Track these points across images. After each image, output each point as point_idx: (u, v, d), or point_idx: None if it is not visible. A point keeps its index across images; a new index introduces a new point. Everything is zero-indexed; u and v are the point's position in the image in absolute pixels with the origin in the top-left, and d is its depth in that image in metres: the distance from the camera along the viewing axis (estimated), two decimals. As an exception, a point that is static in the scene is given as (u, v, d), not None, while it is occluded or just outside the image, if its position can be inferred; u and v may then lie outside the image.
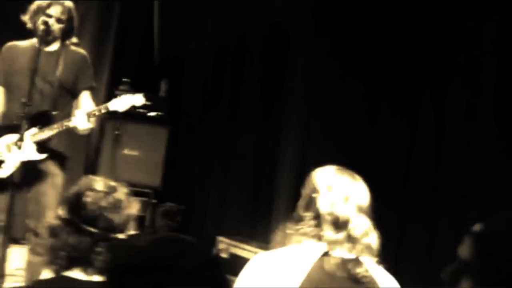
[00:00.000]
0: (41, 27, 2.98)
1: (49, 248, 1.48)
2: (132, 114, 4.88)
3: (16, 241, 3.17)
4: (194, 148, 5.06)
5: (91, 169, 4.75)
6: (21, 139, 2.91)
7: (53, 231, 1.50)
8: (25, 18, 3.08)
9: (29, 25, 3.08)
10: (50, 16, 3.03)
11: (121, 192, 1.56)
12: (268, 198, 4.31)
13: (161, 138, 4.92)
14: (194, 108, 5.22)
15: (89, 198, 1.51)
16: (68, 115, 3.04)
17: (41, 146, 2.98)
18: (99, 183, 1.55)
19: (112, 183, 1.57)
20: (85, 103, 3.14)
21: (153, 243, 0.90)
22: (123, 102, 3.01)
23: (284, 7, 4.43)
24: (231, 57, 4.98)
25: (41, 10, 3.03)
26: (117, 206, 1.52)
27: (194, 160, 5.04)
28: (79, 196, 1.52)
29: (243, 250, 3.95)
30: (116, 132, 4.39)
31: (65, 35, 3.12)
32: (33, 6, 3.06)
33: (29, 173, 2.96)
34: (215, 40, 5.11)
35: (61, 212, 1.53)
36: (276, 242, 1.76)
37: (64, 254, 1.47)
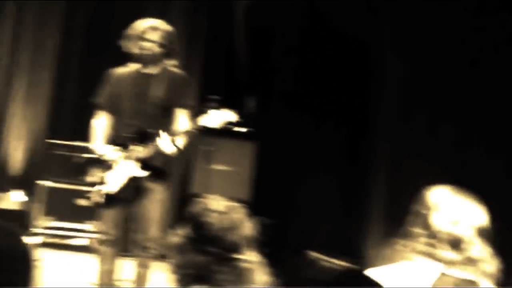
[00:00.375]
0: (138, 50, 3.12)
1: (174, 265, 1.54)
2: (220, 129, 5.03)
3: (123, 254, 3.32)
4: (282, 162, 5.10)
5: (185, 184, 4.91)
6: (125, 157, 3.08)
7: (175, 249, 1.56)
8: (123, 43, 3.20)
9: (127, 49, 3.19)
10: (146, 39, 3.14)
11: (238, 212, 1.60)
12: (358, 212, 4.26)
13: (249, 153, 5.01)
14: (281, 123, 5.28)
15: (206, 217, 1.56)
16: (169, 133, 3.15)
17: (144, 163, 3.11)
18: (217, 202, 1.60)
19: (229, 203, 1.61)
20: (182, 122, 3.24)
21: (339, 278, 0.92)
22: (214, 118, 3.09)
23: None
24: (316, 70, 5.01)
25: (137, 34, 3.15)
26: (233, 226, 1.56)
27: (282, 175, 5.08)
28: (197, 215, 1.58)
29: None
30: (209, 148, 4.50)
31: (163, 57, 3.20)
32: (130, 31, 3.19)
33: (133, 189, 3.11)
34: (300, 55, 5.15)
35: (182, 230, 1.59)
36: (385, 257, 1.75)
37: (186, 272, 1.52)
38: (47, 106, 5.25)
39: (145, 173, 3.12)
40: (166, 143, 3.07)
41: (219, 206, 1.59)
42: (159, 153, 3.12)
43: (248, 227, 1.59)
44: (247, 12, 5.42)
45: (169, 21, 4.06)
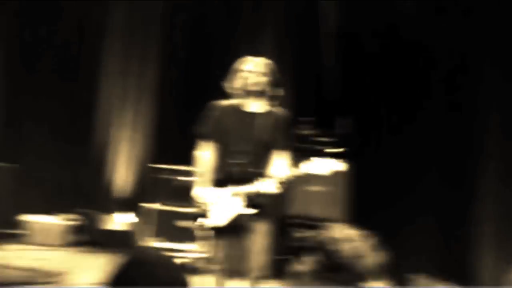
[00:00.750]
0: (240, 82, 3.19)
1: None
2: (314, 150, 5.11)
3: (232, 278, 3.42)
4: (379, 181, 5.06)
5: (281, 204, 5.00)
6: (231, 194, 3.18)
7: (304, 277, 1.64)
8: (228, 78, 3.24)
9: (233, 85, 3.22)
10: (247, 71, 3.16)
11: (364, 240, 1.65)
12: (465, 233, 4.13)
13: (343, 173, 5.03)
14: (375, 141, 5.25)
15: (335, 246, 1.63)
16: (272, 174, 3.17)
17: (248, 201, 3.14)
18: (343, 230, 1.66)
19: (355, 231, 1.67)
20: (280, 164, 3.23)
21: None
22: (319, 166, 3.11)
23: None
24: (408, 86, 4.96)
25: (238, 69, 3.20)
26: (361, 254, 1.61)
27: (379, 194, 5.04)
28: (325, 243, 1.65)
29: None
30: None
31: (265, 92, 3.21)
32: (237, 67, 3.21)
33: (237, 225, 3.19)
34: (390, 71, 5.13)
35: (310, 258, 1.67)
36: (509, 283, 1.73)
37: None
38: (150, 132, 5.58)
39: (249, 211, 3.14)
40: (270, 185, 3.14)
41: (347, 235, 1.64)
42: (263, 192, 3.16)
43: (374, 256, 1.64)
44: (335, 31, 5.48)
45: (259, 46, 4.21)
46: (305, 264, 1.65)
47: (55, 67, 5.51)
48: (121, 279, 1.26)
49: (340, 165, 3.13)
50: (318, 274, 1.61)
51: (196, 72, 5.34)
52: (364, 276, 1.59)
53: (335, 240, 1.63)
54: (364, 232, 1.69)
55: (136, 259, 1.30)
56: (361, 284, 1.56)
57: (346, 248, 1.61)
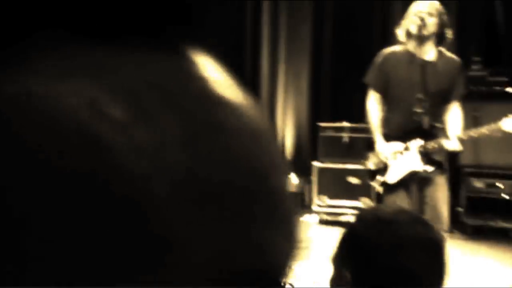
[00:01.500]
0: (410, 26, 2.99)
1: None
2: (488, 93, 4.75)
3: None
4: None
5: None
6: (406, 149, 3.09)
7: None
8: (402, 24, 3.10)
9: (400, 35, 3.09)
10: (415, 14, 2.99)
11: None
12: None
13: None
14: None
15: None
16: (445, 127, 3.05)
17: (425, 157, 3.04)
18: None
19: None
20: (456, 115, 3.09)
21: None
22: None
23: None
24: None
25: (412, 11, 3.05)
26: None
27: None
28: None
29: None
30: (476, 114, 4.29)
31: (438, 36, 3.03)
32: (410, 12, 3.07)
33: (414, 180, 3.10)
34: None
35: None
36: None
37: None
38: (308, 91, 5.63)
39: (426, 168, 3.02)
40: (451, 142, 2.96)
41: None
42: (441, 148, 3.01)
43: None
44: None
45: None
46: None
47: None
48: (358, 241, 1.13)
49: None
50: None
51: (357, 22, 5.18)
52: None
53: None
54: None
55: (374, 218, 1.15)
56: None
57: None
